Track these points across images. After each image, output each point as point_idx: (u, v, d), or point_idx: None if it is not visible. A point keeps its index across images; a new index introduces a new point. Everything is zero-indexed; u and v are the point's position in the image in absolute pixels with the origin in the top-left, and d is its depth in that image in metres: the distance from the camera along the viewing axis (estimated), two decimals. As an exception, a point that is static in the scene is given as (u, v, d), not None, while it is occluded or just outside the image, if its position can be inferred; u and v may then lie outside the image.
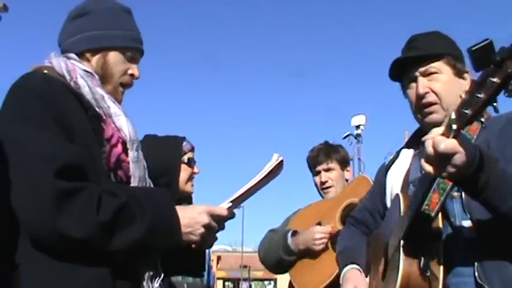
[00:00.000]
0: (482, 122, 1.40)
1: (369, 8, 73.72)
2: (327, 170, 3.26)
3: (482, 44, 1.33)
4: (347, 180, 3.33)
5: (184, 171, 2.85)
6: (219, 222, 1.72)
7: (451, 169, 1.45)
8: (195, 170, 2.89)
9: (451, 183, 1.69)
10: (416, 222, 1.68)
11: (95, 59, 1.76)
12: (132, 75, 1.81)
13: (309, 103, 70.85)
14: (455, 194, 1.73)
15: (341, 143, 3.69)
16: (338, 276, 2.94)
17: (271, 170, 1.69)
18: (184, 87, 72.70)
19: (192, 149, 2.91)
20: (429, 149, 1.44)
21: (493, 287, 1.60)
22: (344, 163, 3.35)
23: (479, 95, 1.33)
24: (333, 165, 3.27)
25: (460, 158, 1.43)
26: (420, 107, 1.87)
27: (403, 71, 1.91)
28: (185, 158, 2.86)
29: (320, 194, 3.32)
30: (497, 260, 1.62)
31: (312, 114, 68.97)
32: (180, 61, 77.02)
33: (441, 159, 1.44)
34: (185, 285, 2.79)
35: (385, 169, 2.10)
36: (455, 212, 1.73)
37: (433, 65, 1.85)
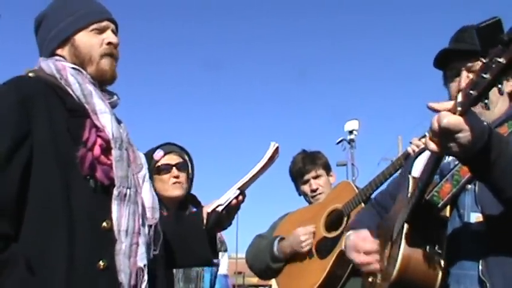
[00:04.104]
0: (486, 103, 1.33)
1: (361, 15, 74.09)
2: (316, 177, 3.27)
3: (490, 22, 1.28)
4: (331, 185, 3.32)
5: (159, 181, 2.76)
6: (232, 209, 1.91)
7: (455, 147, 1.39)
8: (174, 173, 2.78)
9: (466, 177, 1.66)
10: (422, 207, 1.65)
11: (67, 51, 1.78)
12: (109, 43, 1.80)
13: (302, 109, 71.00)
14: (469, 186, 1.69)
15: (334, 148, 3.74)
16: (322, 283, 2.96)
17: (270, 156, 1.87)
18: (184, 89, 72.91)
19: (166, 154, 2.80)
20: (434, 124, 1.38)
21: (494, 284, 1.56)
22: (328, 168, 3.36)
23: (485, 76, 1.27)
24: (320, 171, 3.28)
25: (464, 136, 1.37)
26: None
27: (448, 62, 1.85)
28: (157, 165, 2.77)
29: (309, 202, 3.31)
30: (503, 257, 1.58)
31: (305, 120, 69.06)
32: (181, 64, 77.18)
33: (444, 135, 1.38)
34: None
35: (414, 157, 2.07)
36: (465, 203, 1.69)
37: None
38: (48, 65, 1.73)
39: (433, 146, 1.42)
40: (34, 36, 1.87)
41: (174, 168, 2.79)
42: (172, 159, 2.81)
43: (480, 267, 1.59)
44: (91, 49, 1.77)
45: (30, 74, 1.73)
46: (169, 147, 2.85)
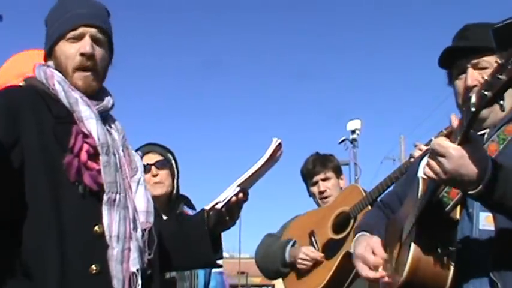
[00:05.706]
0: (501, 105, 1.32)
1: (363, 14, 74.02)
2: (324, 179, 3.32)
3: (506, 22, 1.26)
4: (341, 188, 3.37)
5: None
6: (234, 208, 1.85)
7: (441, 174, 1.42)
8: (153, 172, 2.76)
9: None
10: (432, 207, 1.65)
11: (52, 61, 1.78)
12: (81, 54, 1.71)
13: (304, 108, 70.94)
14: None
15: (337, 147, 3.79)
16: (327, 284, 3.02)
17: (272, 153, 1.80)
18: (182, 89, 72.88)
19: (145, 155, 2.78)
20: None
21: (506, 284, 1.55)
22: (339, 171, 3.41)
23: (500, 77, 1.26)
24: (330, 174, 3.33)
25: (446, 162, 1.40)
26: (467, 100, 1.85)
27: (453, 60, 1.83)
28: None
29: (317, 203, 3.37)
30: None
31: (307, 120, 69.04)
32: (180, 65, 77.20)
33: (433, 157, 1.43)
34: None
35: (421, 157, 2.05)
36: (475, 203, 1.66)
37: (485, 58, 1.74)
38: (39, 73, 1.73)
39: (426, 169, 1.47)
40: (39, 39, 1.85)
41: (153, 167, 2.77)
42: (151, 158, 2.80)
43: (491, 267, 1.59)
44: (66, 61, 1.72)
45: (21, 83, 1.74)
46: (147, 148, 2.85)
